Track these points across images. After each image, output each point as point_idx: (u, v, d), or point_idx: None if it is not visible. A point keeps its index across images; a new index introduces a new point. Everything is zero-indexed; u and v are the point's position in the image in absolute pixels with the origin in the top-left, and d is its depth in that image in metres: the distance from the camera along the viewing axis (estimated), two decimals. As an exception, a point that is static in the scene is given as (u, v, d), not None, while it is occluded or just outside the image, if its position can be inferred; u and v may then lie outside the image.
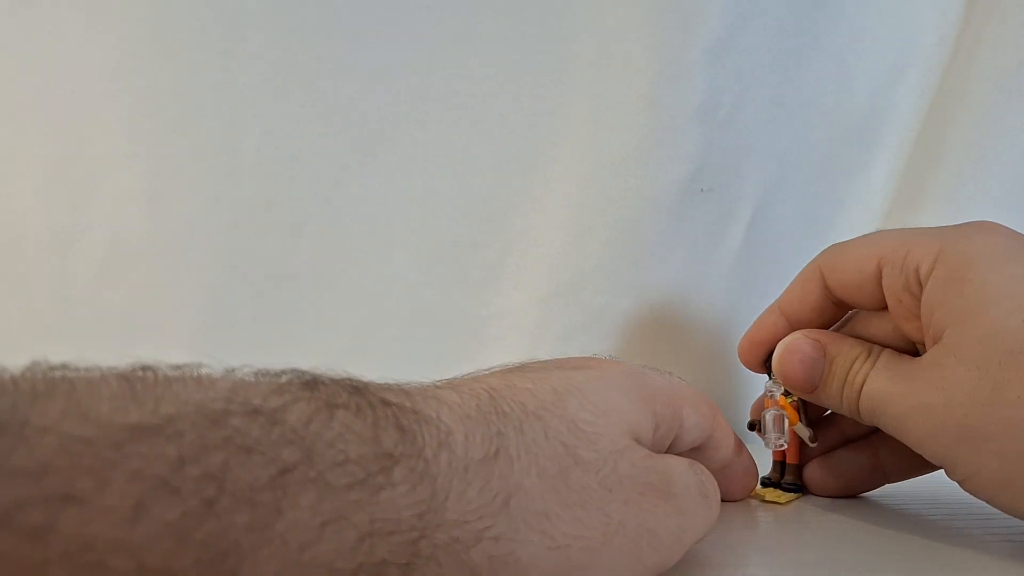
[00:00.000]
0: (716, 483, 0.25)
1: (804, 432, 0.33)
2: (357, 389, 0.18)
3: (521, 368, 0.25)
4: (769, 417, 0.33)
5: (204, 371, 0.18)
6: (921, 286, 0.28)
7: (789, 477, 0.34)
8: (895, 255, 0.29)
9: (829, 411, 0.34)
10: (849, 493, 0.34)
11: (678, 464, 0.24)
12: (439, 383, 0.22)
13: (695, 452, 0.27)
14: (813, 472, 0.34)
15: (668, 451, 0.26)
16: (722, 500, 0.27)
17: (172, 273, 0.42)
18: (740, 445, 0.30)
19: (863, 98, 0.42)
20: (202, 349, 0.43)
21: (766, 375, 0.34)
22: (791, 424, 0.33)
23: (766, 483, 0.34)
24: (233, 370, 0.19)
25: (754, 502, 0.33)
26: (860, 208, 0.44)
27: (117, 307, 0.42)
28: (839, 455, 0.34)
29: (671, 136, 0.41)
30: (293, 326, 0.43)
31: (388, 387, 0.20)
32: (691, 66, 0.40)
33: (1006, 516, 0.27)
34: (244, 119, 0.41)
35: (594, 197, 0.42)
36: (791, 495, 0.33)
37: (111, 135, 0.40)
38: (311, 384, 0.18)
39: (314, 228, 0.43)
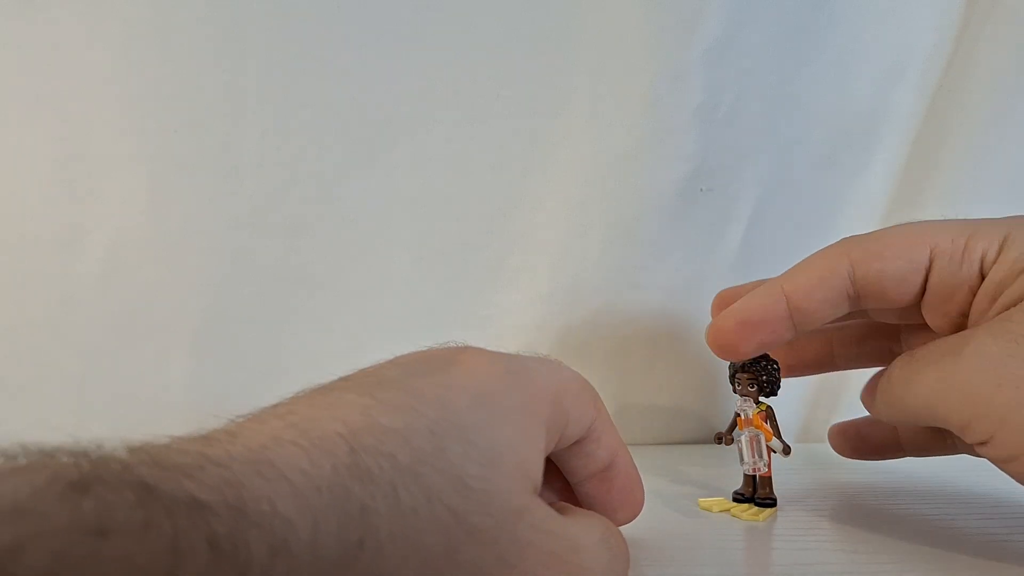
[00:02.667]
0: (619, 533, 0.23)
1: (778, 446, 0.32)
2: (150, 490, 0.13)
3: (378, 383, 0.20)
4: (744, 440, 0.32)
5: None
6: (982, 277, 0.26)
7: (763, 491, 0.33)
8: (952, 246, 0.27)
9: None
10: (866, 459, 0.35)
11: (586, 529, 0.21)
12: (271, 417, 0.17)
13: (574, 448, 0.24)
14: (833, 437, 0.35)
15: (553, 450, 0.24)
16: (604, 511, 0.25)
17: (174, 273, 0.42)
18: (620, 443, 0.26)
19: (862, 98, 0.42)
20: (203, 349, 0.43)
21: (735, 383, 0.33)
22: (767, 441, 0.32)
23: (739, 499, 0.33)
24: None
25: (730, 521, 0.32)
26: (859, 208, 0.44)
27: (119, 307, 0.42)
28: (858, 426, 0.34)
29: (671, 136, 0.41)
30: (293, 326, 0.44)
31: (200, 467, 0.14)
32: (691, 66, 0.40)
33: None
34: (245, 119, 0.41)
35: (594, 197, 0.43)
36: (767, 510, 0.32)
37: (113, 135, 0.40)
38: (77, 490, 0.12)
39: (314, 228, 0.43)
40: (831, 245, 0.30)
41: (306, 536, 0.14)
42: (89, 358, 0.42)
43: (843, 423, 0.36)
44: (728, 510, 0.32)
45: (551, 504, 0.21)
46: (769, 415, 0.32)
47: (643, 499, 0.26)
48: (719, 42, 0.40)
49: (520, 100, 0.42)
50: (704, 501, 0.33)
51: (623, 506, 0.26)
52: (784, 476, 0.37)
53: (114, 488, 0.13)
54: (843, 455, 0.35)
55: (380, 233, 0.43)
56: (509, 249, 0.44)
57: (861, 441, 0.35)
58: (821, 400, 0.48)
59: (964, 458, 0.31)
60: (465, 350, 0.22)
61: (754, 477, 0.33)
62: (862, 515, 0.32)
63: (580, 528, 0.21)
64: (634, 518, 0.26)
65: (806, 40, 0.42)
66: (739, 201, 0.43)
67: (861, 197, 0.44)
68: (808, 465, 0.42)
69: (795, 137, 0.43)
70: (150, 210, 0.41)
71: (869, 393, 0.31)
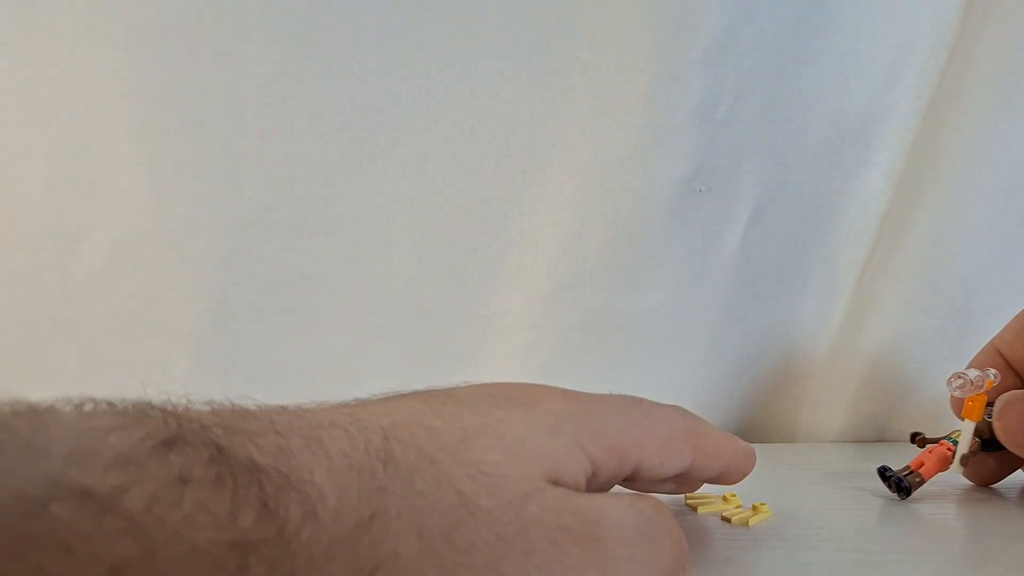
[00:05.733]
0: (673, 521, 0.21)
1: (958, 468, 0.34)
2: (221, 451, 0.16)
3: (448, 394, 0.22)
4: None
5: (45, 424, 0.15)
6: None
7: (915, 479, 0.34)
8: None
9: None
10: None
11: (610, 501, 0.20)
12: (343, 407, 0.20)
13: (675, 479, 0.26)
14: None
15: (631, 485, 0.24)
16: (715, 482, 0.27)
17: (174, 273, 0.42)
18: (734, 451, 0.27)
19: (861, 98, 0.42)
20: (204, 348, 0.43)
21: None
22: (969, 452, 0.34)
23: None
24: (84, 415, 0.16)
25: (720, 525, 0.31)
26: (858, 208, 0.44)
27: (120, 307, 0.42)
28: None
29: (670, 136, 0.41)
30: (294, 326, 0.44)
31: (264, 433, 0.17)
32: (690, 66, 0.40)
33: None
34: (246, 119, 0.41)
35: (594, 197, 0.43)
36: (760, 515, 0.32)
37: (114, 135, 0.40)
38: (166, 446, 0.15)
39: (315, 228, 0.43)
40: None
41: (332, 504, 0.17)
42: (89, 358, 0.42)
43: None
44: (720, 511, 0.32)
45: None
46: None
47: (749, 469, 0.28)
48: (718, 42, 0.40)
49: (520, 100, 0.42)
50: (691, 499, 0.33)
51: (734, 482, 0.28)
52: (784, 478, 0.37)
53: (194, 446, 0.16)
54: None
55: (380, 233, 0.43)
56: (509, 249, 0.44)
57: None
58: (820, 401, 0.48)
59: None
60: (554, 389, 0.23)
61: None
62: (860, 516, 0.32)
63: (608, 504, 0.20)
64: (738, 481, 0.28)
65: (805, 40, 0.42)
66: (738, 201, 0.43)
67: (860, 197, 0.44)
68: (807, 466, 0.42)
69: (794, 137, 0.43)
70: (151, 210, 0.41)
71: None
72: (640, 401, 0.25)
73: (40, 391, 0.44)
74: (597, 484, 0.22)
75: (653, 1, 0.40)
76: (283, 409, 0.19)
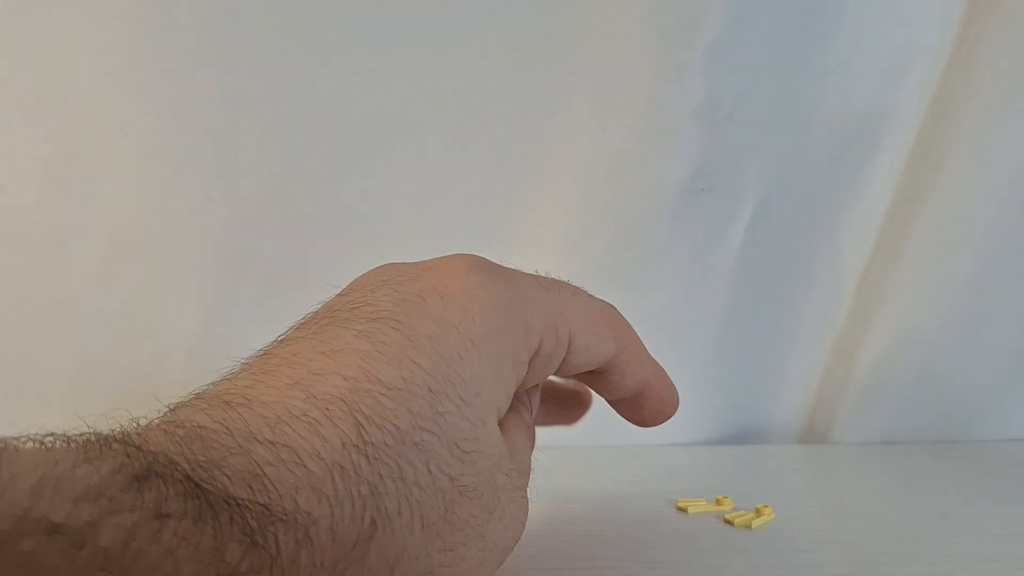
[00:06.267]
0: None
1: None
2: (195, 485, 0.15)
3: (374, 317, 0.20)
4: None
5: (5, 458, 0.14)
6: None
7: None
8: None
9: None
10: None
11: (526, 451, 0.23)
12: (289, 380, 0.18)
13: (595, 376, 0.25)
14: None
15: (557, 373, 0.24)
16: (635, 423, 0.27)
17: (171, 273, 0.42)
18: (656, 372, 0.27)
19: (863, 98, 0.42)
20: (201, 349, 0.43)
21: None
22: None
23: None
24: (47, 449, 0.14)
25: (722, 527, 0.31)
26: (862, 208, 0.44)
27: (118, 307, 0.42)
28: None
29: (671, 136, 0.41)
30: (292, 326, 0.43)
31: (229, 457, 0.16)
32: (691, 65, 0.40)
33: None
34: (244, 118, 0.41)
35: (594, 197, 0.42)
36: (762, 517, 0.31)
37: (110, 134, 0.40)
38: (139, 480, 0.14)
39: (314, 228, 0.42)
40: None
41: (325, 525, 0.16)
42: (87, 358, 0.42)
43: None
44: (710, 513, 0.32)
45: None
46: None
47: (674, 411, 0.28)
48: (720, 41, 0.40)
49: (520, 100, 0.41)
50: (682, 501, 0.33)
51: (651, 422, 0.28)
52: (787, 480, 0.37)
53: (167, 481, 0.15)
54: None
55: (380, 233, 0.43)
56: (509, 249, 0.44)
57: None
58: (823, 402, 0.47)
59: (959, 454, 0.31)
60: (460, 268, 0.22)
61: None
62: (861, 518, 0.32)
63: (523, 452, 0.22)
64: (654, 426, 0.28)
65: (808, 40, 0.41)
66: (740, 201, 0.43)
67: (864, 196, 0.44)
68: (810, 468, 0.41)
69: (796, 137, 0.43)
70: (147, 210, 0.41)
71: None
72: (566, 282, 0.25)
73: (36, 392, 0.44)
74: (539, 362, 0.22)
75: (655, 1, 0.40)
76: (226, 402, 0.17)
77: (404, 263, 0.23)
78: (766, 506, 0.32)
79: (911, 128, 0.43)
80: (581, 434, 0.47)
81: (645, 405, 0.27)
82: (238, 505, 0.15)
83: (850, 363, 0.46)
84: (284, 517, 0.15)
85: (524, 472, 0.22)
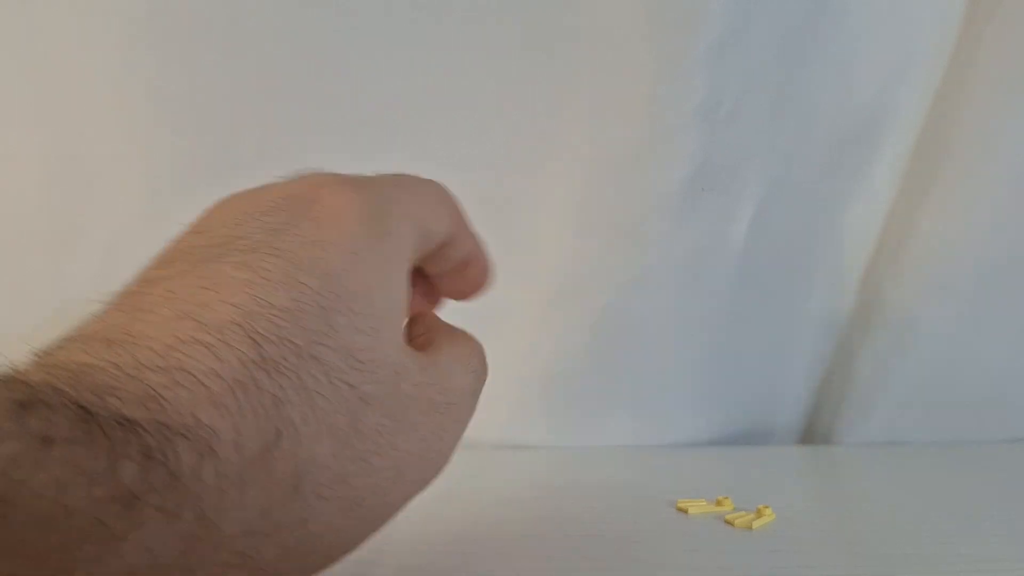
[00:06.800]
0: (481, 353, 0.25)
1: None
2: (86, 411, 0.14)
3: (250, 248, 0.19)
4: None
5: None
6: None
7: None
8: None
9: None
10: None
11: (455, 368, 0.23)
12: (172, 311, 0.17)
13: (433, 253, 0.25)
14: None
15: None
16: (452, 298, 0.27)
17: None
18: (478, 242, 0.28)
19: (864, 97, 0.42)
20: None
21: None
22: None
23: None
24: None
25: (723, 528, 0.30)
26: (863, 208, 0.44)
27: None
28: None
29: (671, 135, 0.41)
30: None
31: (120, 384, 0.15)
32: (691, 65, 0.40)
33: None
34: (244, 119, 0.41)
35: (594, 197, 0.42)
36: (763, 518, 0.31)
37: (110, 135, 0.40)
38: (22, 407, 0.14)
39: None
40: None
41: (229, 438, 0.16)
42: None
43: None
44: (711, 513, 0.32)
45: (417, 338, 0.24)
46: None
47: (490, 281, 0.29)
48: (720, 41, 0.40)
49: (520, 100, 0.41)
50: (682, 502, 0.33)
51: (472, 291, 0.29)
52: (788, 481, 0.37)
53: (53, 407, 0.14)
54: None
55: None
56: (510, 249, 0.43)
57: None
58: (824, 403, 0.47)
59: (959, 455, 0.31)
60: (321, 189, 0.23)
61: None
62: (862, 519, 0.32)
63: (448, 368, 0.22)
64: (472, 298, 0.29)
65: (808, 40, 0.41)
66: (742, 200, 0.43)
67: (865, 196, 0.44)
68: (811, 469, 0.41)
69: (797, 137, 0.43)
70: (147, 210, 0.41)
71: None
72: (399, 173, 0.26)
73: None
74: (420, 259, 0.24)
75: (655, 1, 0.40)
76: (107, 339, 0.17)
77: (252, 190, 0.24)
78: (767, 507, 0.32)
79: (911, 128, 0.43)
80: (582, 434, 0.47)
81: (469, 275, 0.28)
82: (133, 425, 0.14)
83: (851, 364, 0.46)
84: (185, 433, 0.15)
85: (445, 389, 0.22)
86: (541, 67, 0.41)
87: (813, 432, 0.48)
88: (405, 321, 0.22)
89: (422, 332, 0.25)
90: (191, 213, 0.42)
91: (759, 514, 0.32)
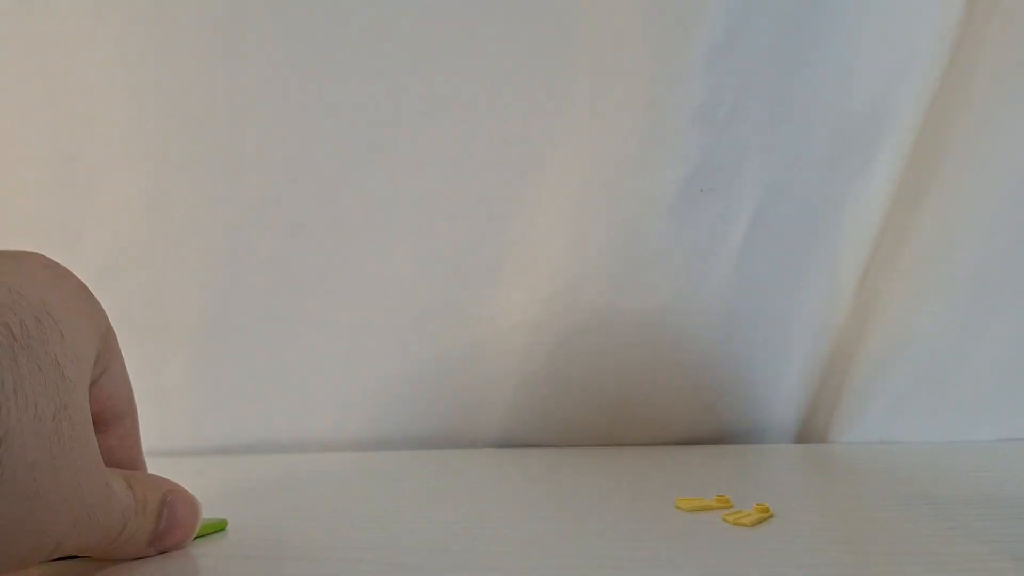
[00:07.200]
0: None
1: None
2: None
3: None
4: None
5: None
6: None
7: None
8: None
9: None
10: None
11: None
12: None
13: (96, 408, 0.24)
14: None
15: None
16: (164, 548, 0.24)
17: (173, 273, 0.42)
18: (132, 400, 0.27)
19: (863, 98, 0.42)
20: (202, 349, 0.43)
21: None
22: None
23: None
24: None
25: (721, 526, 0.30)
26: (861, 209, 0.44)
27: (118, 307, 0.42)
28: None
29: (671, 136, 0.41)
30: (293, 326, 0.43)
31: None
32: (691, 67, 0.40)
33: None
34: (245, 119, 0.41)
35: (594, 197, 0.42)
36: (759, 515, 0.31)
37: (112, 136, 0.40)
38: None
39: (314, 228, 0.43)
40: None
41: None
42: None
43: None
44: (707, 510, 0.32)
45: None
46: None
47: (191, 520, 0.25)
48: (720, 43, 0.40)
49: (520, 100, 0.42)
50: (681, 500, 0.33)
51: (181, 522, 0.25)
52: (786, 479, 0.37)
53: None
54: None
55: (380, 233, 0.43)
56: (509, 249, 0.44)
57: None
58: (822, 402, 0.48)
59: (957, 454, 0.31)
60: (28, 255, 0.23)
61: None
62: (861, 518, 0.32)
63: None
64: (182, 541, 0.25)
65: (807, 41, 0.41)
66: (740, 202, 0.43)
67: (863, 198, 0.44)
68: (809, 467, 0.41)
69: (796, 138, 0.43)
70: (149, 210, 0.41)
71: None
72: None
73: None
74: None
75: (654, 2, 0.40)
76: None
77: None
78: (765, 505, 0.32)
79: (910, 129, 0.43)
80: (581, 434, 0.47)
81: (128, 448, 0.27)
82: None
83: (848, 363, 0.46)
84: None
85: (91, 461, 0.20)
86: (541, 68, 0.41)
87: (810, 431, 0.48)
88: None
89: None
90: (191, 213, 0.42)
91: (757, 512, 0.32)
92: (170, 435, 0.44)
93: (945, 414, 0.46)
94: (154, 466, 0.28)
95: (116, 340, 0.26)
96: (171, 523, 0.24)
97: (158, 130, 0.41)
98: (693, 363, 0.46)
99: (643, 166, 0.42)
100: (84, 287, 0.25)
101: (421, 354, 0.45)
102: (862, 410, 0.46)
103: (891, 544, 0.29)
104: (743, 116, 0.42)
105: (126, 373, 0.26)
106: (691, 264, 0.44)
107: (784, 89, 0.42)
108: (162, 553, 0.25)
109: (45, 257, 0.24)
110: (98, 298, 0.42)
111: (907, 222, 0.44)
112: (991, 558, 0.27)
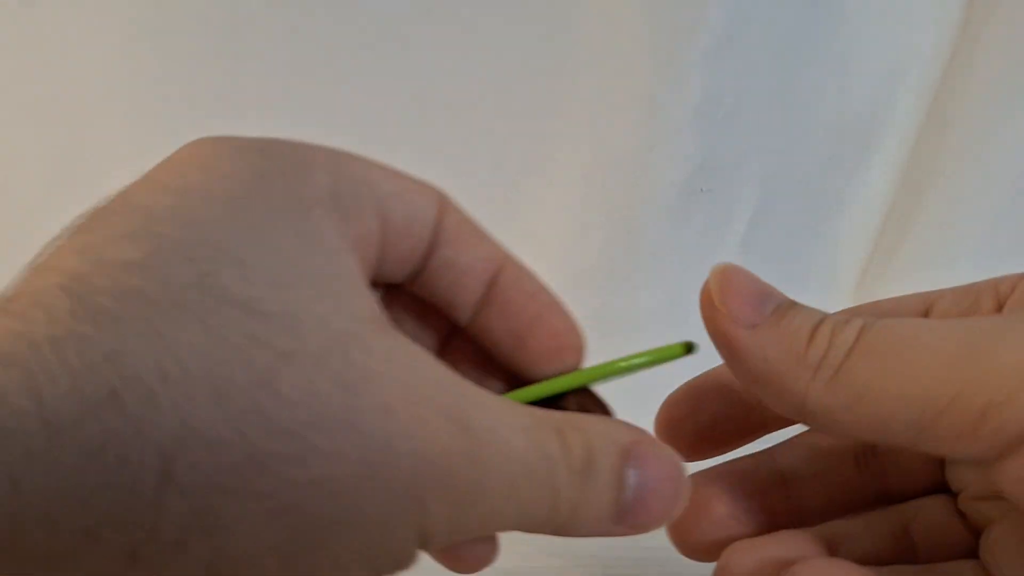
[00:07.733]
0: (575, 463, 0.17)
1: None
2: None
3: (92, 214, 0.17)
4: None
5: None
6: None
7: None
8: None
9: None
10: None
11: (504, 414, 0.17)
12: None
13: (426, 266, 0.19)
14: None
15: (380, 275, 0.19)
16: (526, 366, 0.19)
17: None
18: (503, 253, 0.21)
19: (863, 97, 0.42)
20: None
21: None
22: None
23: None
24: None
25: None
26: (860, 209, 0.44)
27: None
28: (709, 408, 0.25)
29: (671, 136, 0.41)
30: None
31: None
32: (691, 66, 0.40)
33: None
34: (245, 119, 0.41)
35: (594, 197, 0.42)
36: None
37: (112, 136, 0.40)
38: None
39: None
40: None
41: (24, 403, 0.12)
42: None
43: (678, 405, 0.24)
44: None
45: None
46: None
47: (577, 339, 0.20)
48: (719, 42, 0.40)
49: (520, 100, 0.42)
50: None
51: (550, 347, 0.19)
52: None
53: None
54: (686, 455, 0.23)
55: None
56: (508, 249, 0.44)
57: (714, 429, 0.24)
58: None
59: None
60: (196, 141, 0.18)
61: None
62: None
63: (496, 406, 0.16)
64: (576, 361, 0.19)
65: (807, 40, 0.41)
66: (740, 201, 0.43)
67: (862, 197, 0.44)
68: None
69: (796, 137, 0.43)
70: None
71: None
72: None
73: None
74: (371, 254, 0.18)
75: (655, 2, 0.40)
76: None
77: None
78: None
79: (910, 129, 0.43)
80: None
81: (511, 305, 0.20)
82: None
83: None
84: None
85: (425, 382, 0.15)
86: (541, 67, 0.41)
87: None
88: (366, 297, 0.16)
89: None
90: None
91: None
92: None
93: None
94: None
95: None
96: (642, 491, 0.17)
97: (159, 131, 0.41)
98: (693, 364, 0.46)
99: (643, 165, 0.42)
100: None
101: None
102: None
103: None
104: (742, 115, 0.42)
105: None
106: (690, 264, 0.44)
107: (784, 88, 0.42)
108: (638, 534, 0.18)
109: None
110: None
111: (907, 222, 0.44)
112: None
